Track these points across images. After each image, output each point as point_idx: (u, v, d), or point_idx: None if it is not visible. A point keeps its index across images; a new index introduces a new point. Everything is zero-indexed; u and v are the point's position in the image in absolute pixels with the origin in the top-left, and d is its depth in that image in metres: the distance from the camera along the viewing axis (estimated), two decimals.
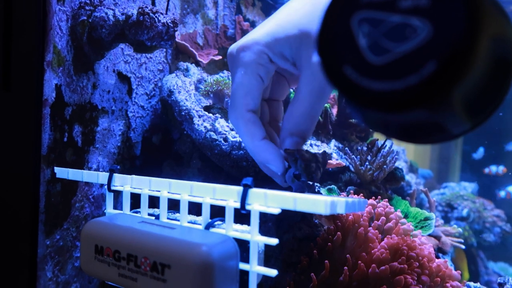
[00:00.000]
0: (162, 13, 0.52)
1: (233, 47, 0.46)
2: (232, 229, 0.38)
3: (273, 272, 0.36)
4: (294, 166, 0.43)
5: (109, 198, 0.48)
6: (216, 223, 0.41)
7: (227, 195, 0.38)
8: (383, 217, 0.55)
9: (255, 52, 0.43)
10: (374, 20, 0.20)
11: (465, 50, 0.18)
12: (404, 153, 1.29)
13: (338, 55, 0.21)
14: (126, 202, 0.46)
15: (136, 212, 0.47)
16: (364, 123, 0.24)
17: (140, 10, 0.51)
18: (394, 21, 0.19)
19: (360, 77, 0.20)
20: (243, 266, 0.37)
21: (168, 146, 0.72)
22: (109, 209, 0.48)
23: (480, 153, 2.14)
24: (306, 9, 0.42)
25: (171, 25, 0.51)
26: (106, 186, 0.47)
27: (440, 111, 0.20)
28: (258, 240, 0.36)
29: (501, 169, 1.98)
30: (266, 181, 0.60)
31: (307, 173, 0.42)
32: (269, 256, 0.54)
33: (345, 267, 0.46)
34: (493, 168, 1.98)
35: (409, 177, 1.13)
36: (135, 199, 0.47)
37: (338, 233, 0.50)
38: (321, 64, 0.22)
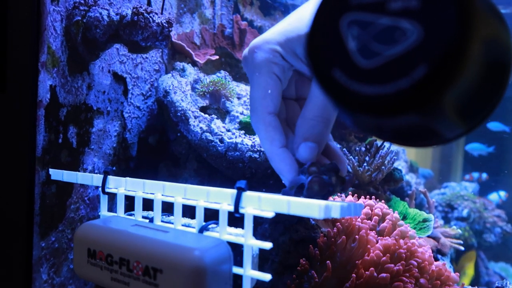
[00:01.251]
0: (157, 13, 0.52)
1: (246, 50, 0.45)
2: (226, 233, 0.38)
3: (266, 277, 0.35)
4: (306, 181, 0.41)
5: (103, 201, 0.48)
6: (210, 226, 0.40)
7: (221, 198, 0.38)
8: (380, 219, 0.55)
9: (267, 51, 0.42)
10: (363, 22, 0.19)
11: (457, 53, 0.17)
12: (404, 153, 1.28)
13: (327, 58, 0.21)
14: (120, 204, 0.46)
15: (131, 215, 0.46)
16: (355, 127, 0.23)
17: (134, 10, 0.50)
18: (384, 23, 0.19)
19: (349, 80, 0.20)
20: (236, 270, 0.36)
21: (165, 147, 0.72)
22: (103, 211, 0.48)
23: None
24: None
25: (166, 25, 0.51)
26: (100, 189, 0.46)
27: (432, 116, 0.19)
28: (252, 244, 0.36)
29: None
30: (262, 183, 0.60)
31: (309, 196, 0.40)
32: (265, 259, 0.54)
33: (354, 275, 0.45)
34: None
35: (409, 177, 1.12)
36: (131, 201, 0.47)
37: (343, 237, 0.49)
38: (310, 67, 0.21)
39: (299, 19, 0.42)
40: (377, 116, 0.19)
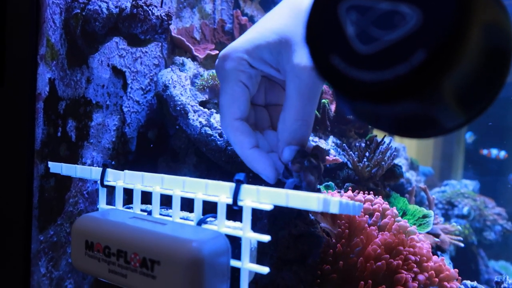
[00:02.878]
0: (156, 6, 0.52)
1: (217, 59, 0.47)
2: (224, 226, 0.38)
3: (264, 270, 0.35)
4: (298, 181, 0.43)
5: (102, 194, 0.48)
6: (208, 219, 0.40)
7: (219, 191, 0.37)
8: (379, 214, 0.55)
9: (234, 59, 0.44)
10: (362, 7, 0.19)
11: (456, 38, 0.17)
12: (404, 150, 1.28)
13: (326, 44, 0.20)
14: (119, 197, 0.46)
15: (129, 208, 0.46)
16: (353, 115, 0.23)
17: (133, 2, 0.50)
18: (383, 8, 0.19)
19: (348, 67, 0.20)
20: (234, 263, 0.36)
21: (164, 141, 0.71)
22: (102, 204, 0.48)
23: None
24: (285, 16, 0.43)
25: (165, 18, 0.51)
26: (99, 182, 0.46)
27: (430, 103, 0.19)
28: (250, 236, 0.36)
29: (503, 154, 1.89)
30: (261, 178, 0.59)
31: (312, 188, 0.42)
32: (264, 253, 0.54)
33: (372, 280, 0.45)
34: (494, 151, 1.89)
35: (409, 175, 1.12)
36: (130, 195, 0.47)
37: (347, 231, 0.49)
38: (309, 54, 0.21)
39: (266, 27, 0.44)
40: (375, 103, 0.19)
